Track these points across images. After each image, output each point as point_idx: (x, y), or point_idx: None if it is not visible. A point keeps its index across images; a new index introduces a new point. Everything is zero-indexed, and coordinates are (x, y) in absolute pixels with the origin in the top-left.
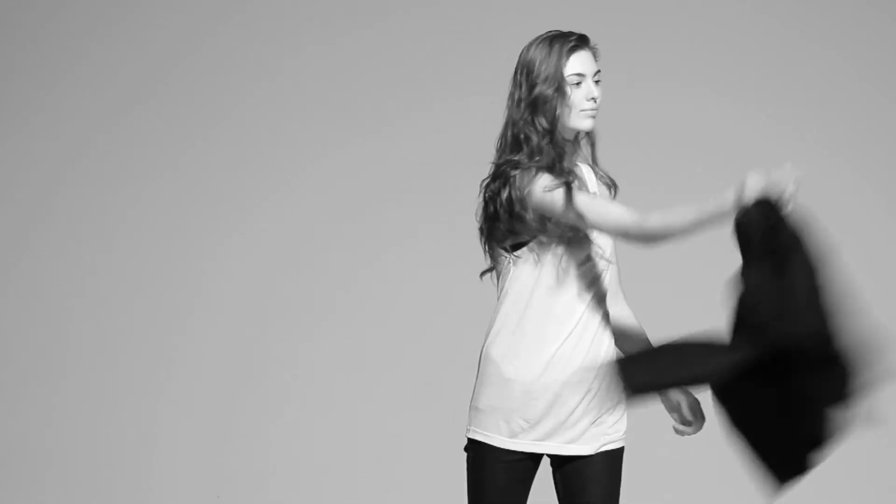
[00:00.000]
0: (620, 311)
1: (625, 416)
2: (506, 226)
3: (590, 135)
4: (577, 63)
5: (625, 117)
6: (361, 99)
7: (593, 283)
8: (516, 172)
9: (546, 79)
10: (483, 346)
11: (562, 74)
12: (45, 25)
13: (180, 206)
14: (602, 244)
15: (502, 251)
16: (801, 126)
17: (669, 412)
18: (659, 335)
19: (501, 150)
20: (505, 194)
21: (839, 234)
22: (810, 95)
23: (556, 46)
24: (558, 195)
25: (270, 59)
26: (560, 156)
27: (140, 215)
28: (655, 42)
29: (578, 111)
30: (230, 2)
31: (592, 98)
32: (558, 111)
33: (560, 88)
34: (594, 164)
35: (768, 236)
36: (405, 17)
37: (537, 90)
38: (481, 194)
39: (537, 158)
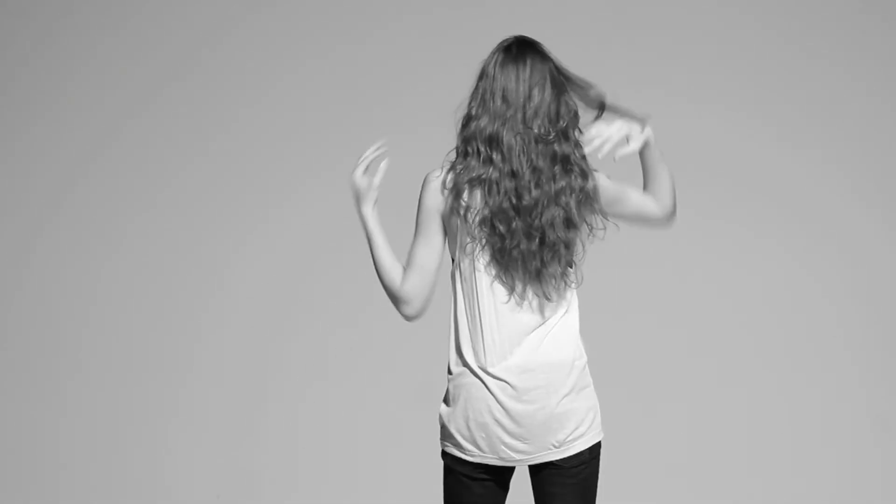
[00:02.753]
0: None
1: None
2: None
3: None
4: None
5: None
6: (378, 102)
7: None
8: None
9: None
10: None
11: None
12: (57, 27)
13: (195, 208)
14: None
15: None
16: (787, 128)
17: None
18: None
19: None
20: None
21: (829, 236)
22: (797, 98)
23: None
24: None
25: (291, 61)
26: None
27: (154, 218)
28: (642, 51)
29: None
30: (254, 1)
31: None
32: None
33: None
34: None
35: None
36: (426, 19)
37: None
38: None
39: None
